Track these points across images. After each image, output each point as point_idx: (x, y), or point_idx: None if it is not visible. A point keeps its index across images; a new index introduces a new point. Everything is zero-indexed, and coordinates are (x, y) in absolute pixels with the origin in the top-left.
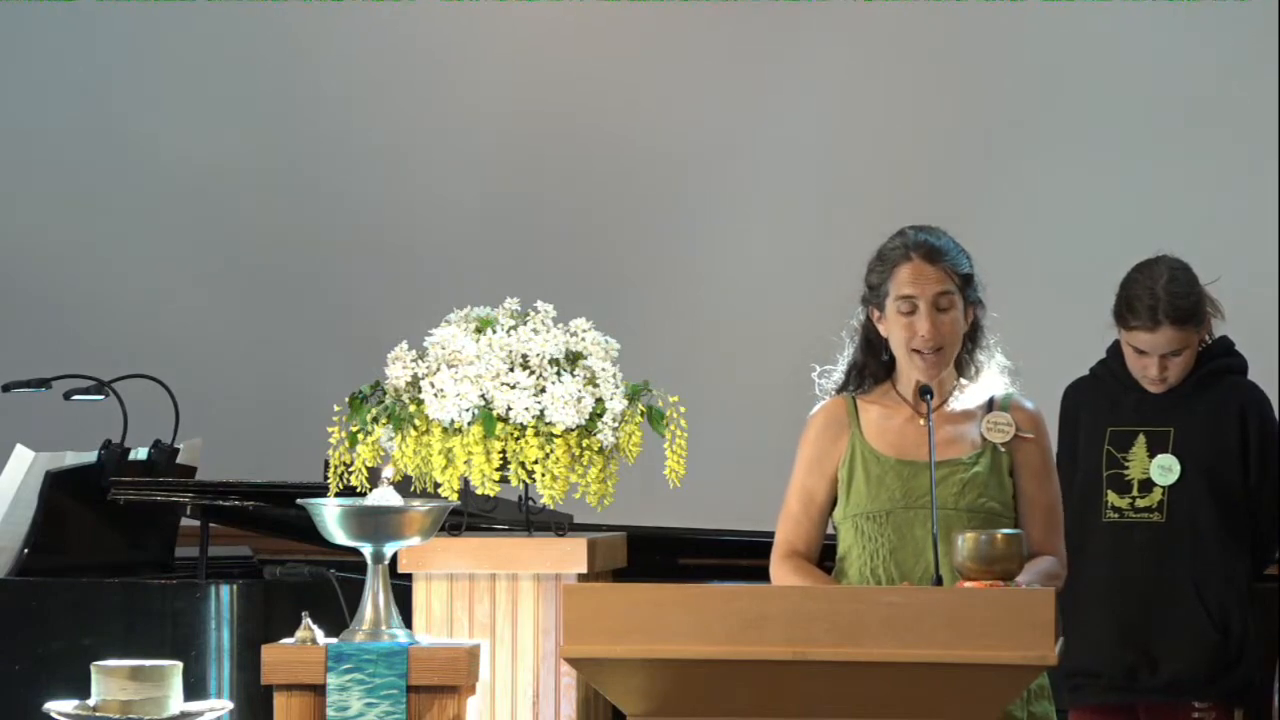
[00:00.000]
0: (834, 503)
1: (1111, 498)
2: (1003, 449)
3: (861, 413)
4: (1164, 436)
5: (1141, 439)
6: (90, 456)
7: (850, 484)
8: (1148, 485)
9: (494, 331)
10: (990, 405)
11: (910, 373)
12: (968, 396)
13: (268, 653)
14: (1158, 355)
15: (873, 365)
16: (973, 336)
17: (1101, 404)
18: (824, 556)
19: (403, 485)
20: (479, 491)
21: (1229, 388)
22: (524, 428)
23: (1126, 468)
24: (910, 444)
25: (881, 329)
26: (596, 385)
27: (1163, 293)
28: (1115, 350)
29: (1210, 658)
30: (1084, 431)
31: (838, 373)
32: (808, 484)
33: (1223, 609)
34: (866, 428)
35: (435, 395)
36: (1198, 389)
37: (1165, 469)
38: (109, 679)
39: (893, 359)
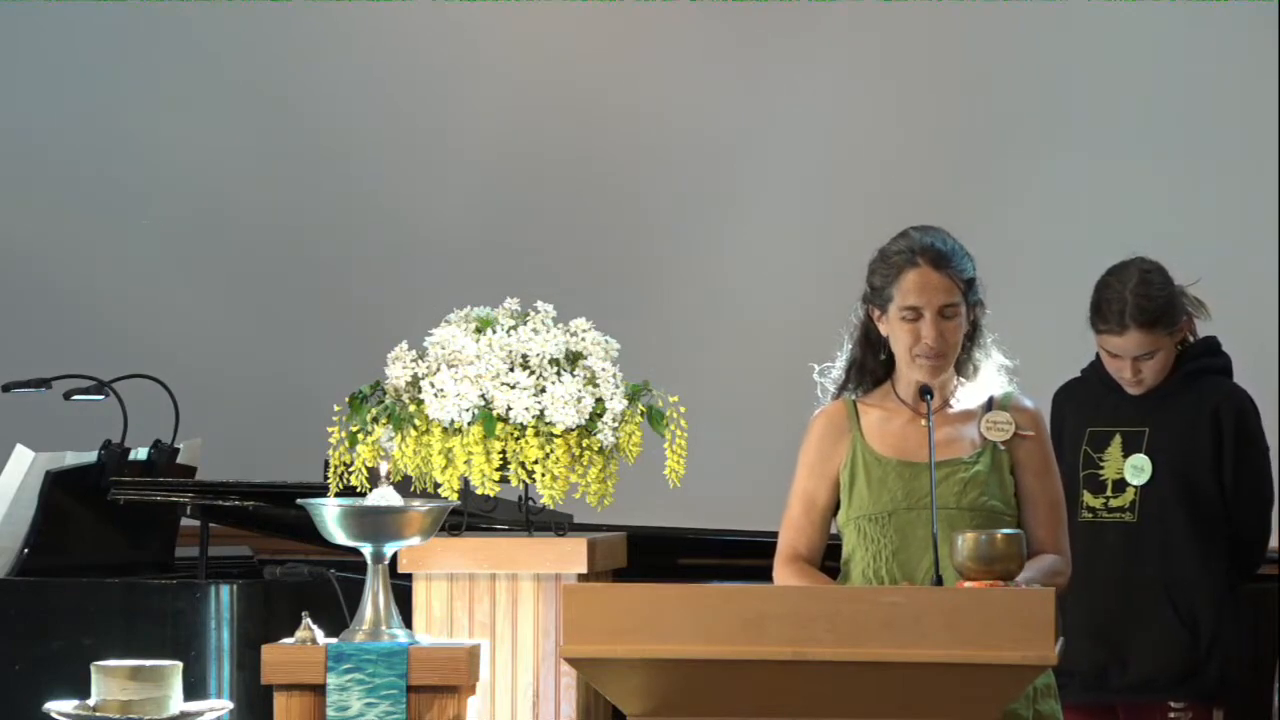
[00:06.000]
0: (836, 506)
1: (1086, 498)
2: (1003, 448)
3: (862, 415)
4: (1139, 437)
5: (1118, 439)
6: (90, 456)
7: (852, 487)
8: (1121, 485)
9: (494, 331)
10: (990, 405)
11: (911, 375)
12: (967, 396)
13: (268, 653)
14: (1129, 358)
15: (872, 363)
16: (971, 336)
17: (1084, 405)
18: (829, 558)
19: (403, 485)
20: (479, 491)
21: (1206, 388)
22: (524, 428)
23: (1102, 468)
24: (911, 445)
25: (882, 328)
26: (596, 385)
27: (1130, 295)
28: None
29: (1179, 658)
30: (1067, 432)
31: (837, 369)
32: (809, 487)
33: (1191, 609)
34: (867, 430)
35: (435, 395)
36: (1176, 389)
37: (1138, 469)
38: (109, 679)
39: (892, 358)
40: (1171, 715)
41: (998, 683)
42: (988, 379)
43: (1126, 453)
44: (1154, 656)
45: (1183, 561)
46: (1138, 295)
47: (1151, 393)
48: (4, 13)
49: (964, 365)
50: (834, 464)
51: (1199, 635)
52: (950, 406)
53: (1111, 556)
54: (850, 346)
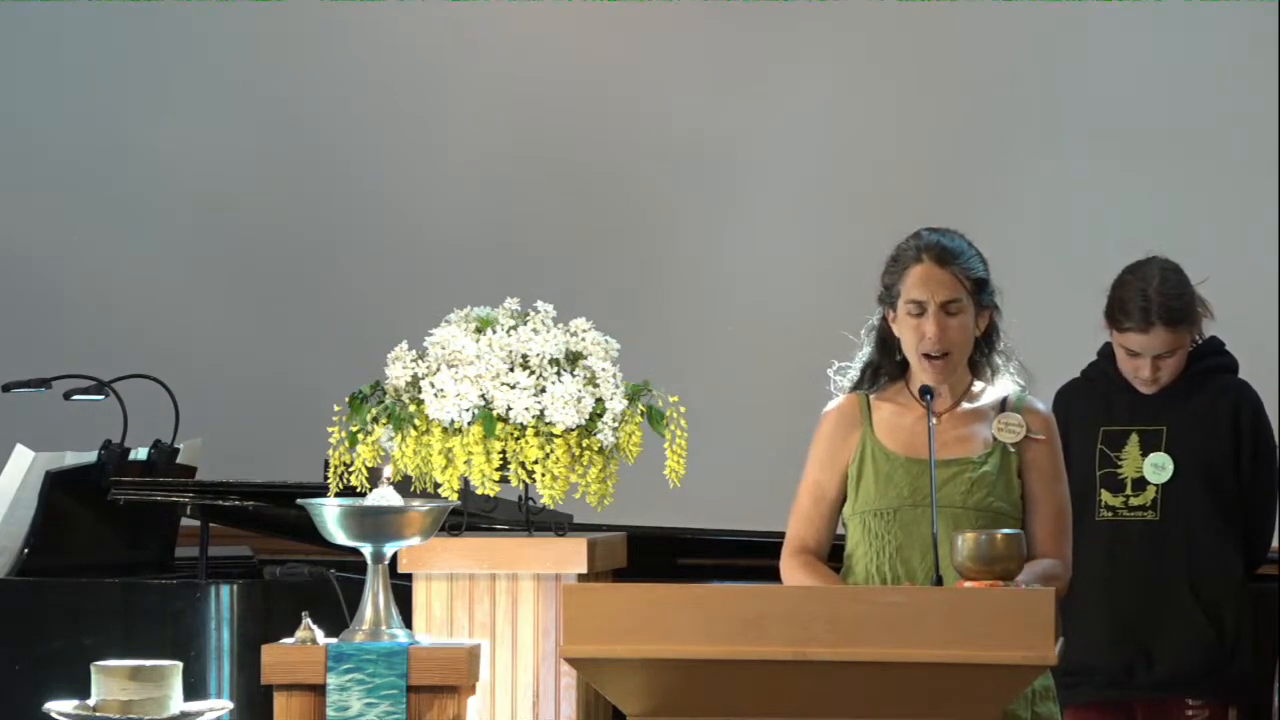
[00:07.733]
0: (845, 499)
1: (1105, 497)
2: (1013, 449)
3: (874, 410)
4: (1157, 435)
5: (1135, 438)
6: (90, 456)
7: (859, 481)
8: (1141, 484)
9: (494, 331)
10: (1003, 405)
11: (919, 375)
12: (981, 397)
13: (268, 653)
14: (1150, 356)
15: (887, 365)
16: (988, 340)
17: (1094, 405)
18: (830, 558)
19: (403, 485)
20: (479, 491)
21: (1221, 386)
22: (524, 428)
23: (1120, 467)
24: (920, 442)
25: (895, 330)
26: (596, 385)
27: (1155, 294)
28: (1106, 351)
29: (1206, 655)
30: (1076, 433)
31: (853, 371)
32: (819, 480)
33: (1217, 606)
34: (878, 425)
35: (435, 395)
36: (1189, 388)
37: (1159, 467)
38: (109, 679)
39: (907, 360)
40: (1189, 714)
41: (998, 683)
42: (1003, 380)
43: (1145, 451)
44: (1182, 653)
45: (1208, 558)
46: (1163, 293)
47: (1165, 391)
48: (4, 13)
49: (980, 367)
50: (844, 457)
51: (1225, 631)
52: (963, 406)
53: (1135, 554)
54: (867, 349)
